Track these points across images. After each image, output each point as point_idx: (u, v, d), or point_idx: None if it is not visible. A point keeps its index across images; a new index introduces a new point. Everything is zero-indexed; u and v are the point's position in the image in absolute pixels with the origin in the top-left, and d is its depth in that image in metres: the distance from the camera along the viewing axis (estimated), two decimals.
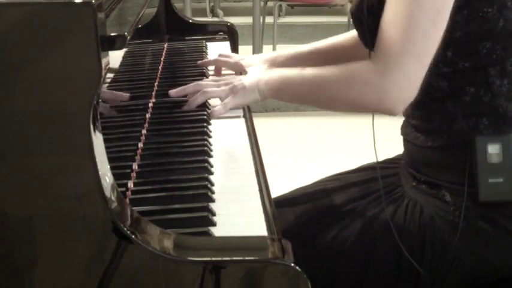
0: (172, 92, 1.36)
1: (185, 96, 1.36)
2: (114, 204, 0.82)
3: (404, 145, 1.30)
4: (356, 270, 1.19)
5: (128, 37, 0.90)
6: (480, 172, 1.14)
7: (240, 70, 1.55)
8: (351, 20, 1.31)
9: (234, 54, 1.65)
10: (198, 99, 1.32)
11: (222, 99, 1.32)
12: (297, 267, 0.82)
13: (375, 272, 1.18)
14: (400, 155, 1.34)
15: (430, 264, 1.15)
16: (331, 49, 1.51)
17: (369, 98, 1.12)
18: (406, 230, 1.17)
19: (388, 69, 1.08)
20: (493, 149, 1.14)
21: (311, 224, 1.25)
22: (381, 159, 1.36)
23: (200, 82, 1.39)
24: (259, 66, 1.50)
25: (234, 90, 1.31)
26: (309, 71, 1.22)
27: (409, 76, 1.09)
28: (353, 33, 1.45)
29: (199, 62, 1.62)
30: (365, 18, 1.17)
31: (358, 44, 1.31)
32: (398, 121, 1.32)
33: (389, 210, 1.20)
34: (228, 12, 5.42)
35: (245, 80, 1.32)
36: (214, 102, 1.37)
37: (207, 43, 1.85)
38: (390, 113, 1.12)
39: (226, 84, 1.33)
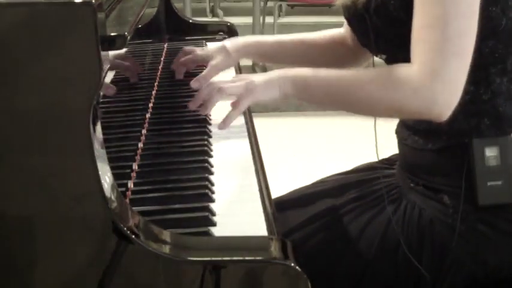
0: (191, 104, 1.27)
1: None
2: (114, 204, 0.82)
3: (400, 149, 1.28)
4: (356, 271, 1.19)
5: (128, 37, 0.90)
6: (478, 175, 1.13)
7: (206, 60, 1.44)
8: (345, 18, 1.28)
9: (194, 48, 1.53)
10: (214, 99, 1.22)
11: (238, 97, 1.21)
12: (297, 267, 0.82)
13: (374, 273, 1.18)
14: (396, 155, 1.34)
15: (430, 266, 1.15)
16: (318, 42, 1.45)
17: (418, 105, 1.08)
18: (405, 232, 1.16)
19: (436, 74, 1.05)
20: (491, 152, 1.13)
21: (311, 224, 1.25)
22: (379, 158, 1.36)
23: (212, 81, 1.31)
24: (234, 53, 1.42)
25: (250, 87, 1.19)
26: (343, 71, 1.16)
27: (457, 78, 1.06)
28: (330, 32, 1.44)
29: (172, 66, 1.52)
30: (371, 18, 1.15)
31: (334, 44, 1.35)
32: (396, 121, 1.32)
33: (388, 211, 1.20)
34: (228, 12, 5.41)
35: (262, 76, 1.21)
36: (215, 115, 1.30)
37: (207, 43, 1.85)
38: (439, 118, 1.08)
39: (241, 80, 1.22)
